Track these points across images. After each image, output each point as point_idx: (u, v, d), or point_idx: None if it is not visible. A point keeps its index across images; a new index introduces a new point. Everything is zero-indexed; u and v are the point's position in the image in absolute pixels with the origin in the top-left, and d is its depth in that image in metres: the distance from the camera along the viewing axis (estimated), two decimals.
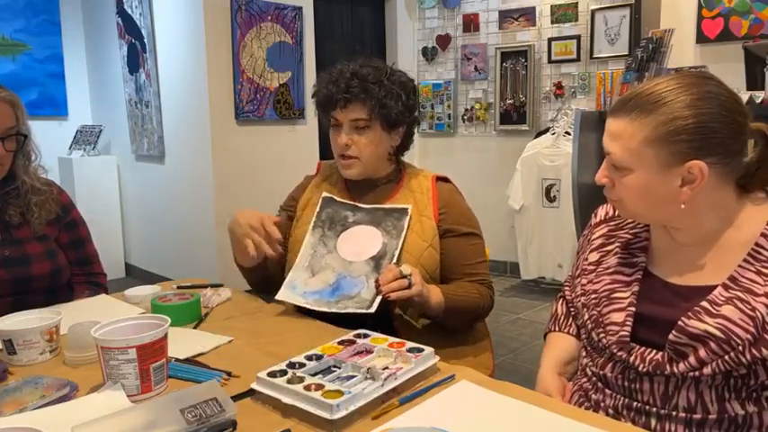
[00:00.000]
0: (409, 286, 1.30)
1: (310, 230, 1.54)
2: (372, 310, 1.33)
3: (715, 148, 0.97)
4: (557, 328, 1.29)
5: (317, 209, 1.57)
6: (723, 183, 1.00)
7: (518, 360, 3.06)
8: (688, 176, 0.97)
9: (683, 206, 0.99)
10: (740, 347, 0.92)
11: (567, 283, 1.33)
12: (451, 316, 1.43)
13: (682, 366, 0.97)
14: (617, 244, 1.15)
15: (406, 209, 1.50)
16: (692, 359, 0.96)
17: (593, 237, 1.21)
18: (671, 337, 0.98)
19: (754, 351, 0.92)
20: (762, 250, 0.98)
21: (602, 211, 1.24)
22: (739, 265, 0.98)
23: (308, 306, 1.42)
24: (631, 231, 1.15)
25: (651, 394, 1.00)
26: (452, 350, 1.43)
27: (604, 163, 1.05)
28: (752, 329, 0.92)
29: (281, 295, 1.45)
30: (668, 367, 0.98)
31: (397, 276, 1.30)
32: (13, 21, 4.45)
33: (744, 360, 0.93)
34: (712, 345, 0.94)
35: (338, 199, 1.58)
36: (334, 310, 1.38)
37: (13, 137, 1.56)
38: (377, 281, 1.33)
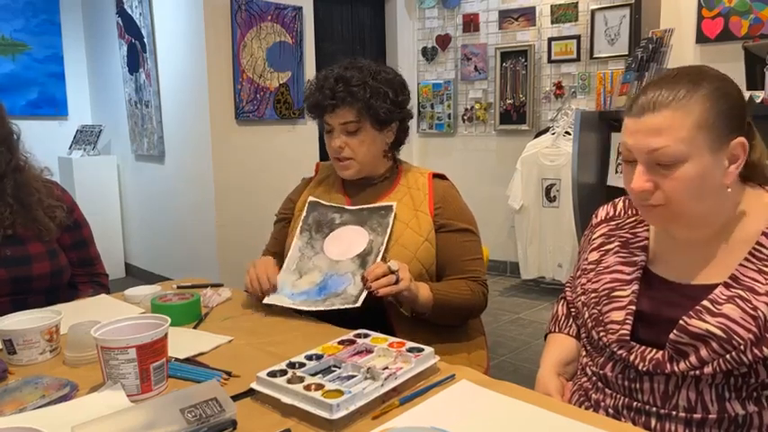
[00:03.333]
0: (397, 282, 1.32)
1: (297, 235, 1.56)
2: (358, 304, 1.35)
3: (744, 125, 1.00)
4: (557, 329, 1.29)
5: (304, 213, 1.59)
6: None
7: (518, 360, 3.06)
8: (732, 156, 0.98)
9: (729, 189, 0.99)
10: (741, 347, 0.92)
11: (568, 285, 1.34)
12: (440, 313, 1.43)
13: (682, 365, 0.97)
14: (617, 243, 1.15)
15: (391, 206, 1.50)
16: (692, 358, 0.96)
17: (594, 236, 1.21)
18: (672, 336, 0.98)
19: (755, 351, 0.92)
20: (763, 249, 0.98)
21: (602, 212, 1.24)
22: (740, 264, 0.98)
23: (294, 307, 1.43)
24: (631, 231, 1.15)
25: (651, 394, 1.00)
26: (445, 345, 1.43)
27: (641, 167, 0.99)
28: (754, 329, 0.92)
29: (268, 299, 1.46)
30: (668, 366, 0.98)
31: (385, 272, 1.32)
32: (13, 21, 4.45)
33: (745, 360, 0.93)
34: (714, 344, 0.94)
35: (324, 203, 1.59)
36: (321, 308, 1.40)
37: None
38: (363, 276, 1.35)
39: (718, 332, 0.94)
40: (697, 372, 0.96)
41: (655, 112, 0.97)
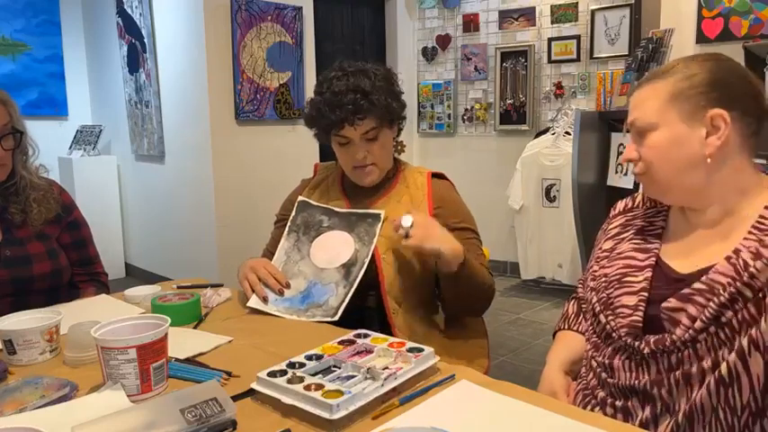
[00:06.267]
0: (407, 238, 1.30)
1: (285, 235, 1.56)
2: (336, 318, 1.37)
3: (733, 102, 1.01)
4: (566, 327, 1.29)
5: (293, 213, 1.58)
6: (745, 150, 1.03)
7: (518, 360, 3.06)
8: (712, 127, 1.00)
9: (709, 160, 1.00)
10: (718, 289, 0.94)
11: (580, 282, 1.34)
12: (464, 281, 1.38)
13: (678, 331, 0.98)
14: (632, 231, 1.17)
15: (379, 214, 1.50)
16: (684, 320, 0.97)
17: (610, 227, 1.23)
18: (664, 304, 0.99)
19: (732, 289, 0.93)
20: (764, 221, 0.99)
21: (621, 204, 1.26)
22: (744, 238, 0.99)
23: (278, 314, 1.43)
24: (647, 219, 1.17)
25: (658, 374, 1.00)
26: (445, 345, 1.43)
27: (630, 140, 1.10)
28: (732, 273, 0.94)
29: (252, 302, 1.46)
30: (668, 339, 0.98)
31: (396, 228, 1.32)
32: (13, 21, 4.45)
33: (724, 299, 0.94)
34: (699, 298, 0.96)
35: (313, 203, 1.59)
36: (303, 318, 1.41)
37: (9, 135, 1.56)
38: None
39: (702, 286, 0.96)
40: (690, 331, 0.96)
41: (638, 89, 1.08)
